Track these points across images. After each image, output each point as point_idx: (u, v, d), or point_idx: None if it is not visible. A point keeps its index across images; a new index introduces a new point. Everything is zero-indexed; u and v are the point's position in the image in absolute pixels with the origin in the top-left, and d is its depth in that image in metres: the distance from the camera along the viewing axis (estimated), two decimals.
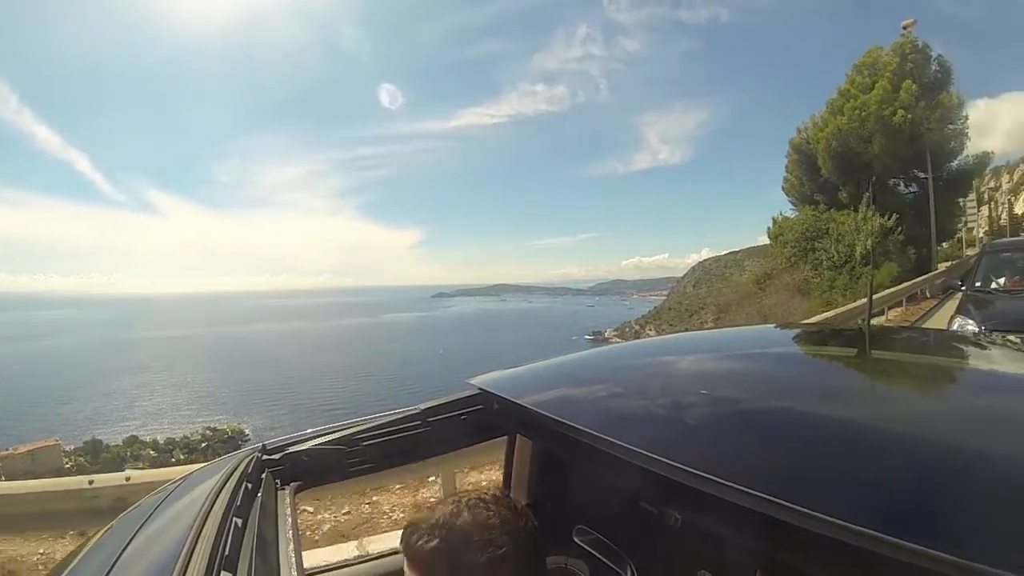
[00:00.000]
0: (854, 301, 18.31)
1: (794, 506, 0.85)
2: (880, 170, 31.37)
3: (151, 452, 35.25)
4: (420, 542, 1.17)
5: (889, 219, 28.92)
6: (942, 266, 30.22)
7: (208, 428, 40.72)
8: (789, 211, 36.70)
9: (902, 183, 33.99)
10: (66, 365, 75.23)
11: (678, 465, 1.03)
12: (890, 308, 18.46)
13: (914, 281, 22.51)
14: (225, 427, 41.59)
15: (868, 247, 27.42)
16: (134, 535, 1.32)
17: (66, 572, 1.34)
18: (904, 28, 31.69)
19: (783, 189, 37.87)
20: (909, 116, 29.32)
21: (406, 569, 1.19)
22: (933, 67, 31.77)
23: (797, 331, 2.76)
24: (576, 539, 1.77)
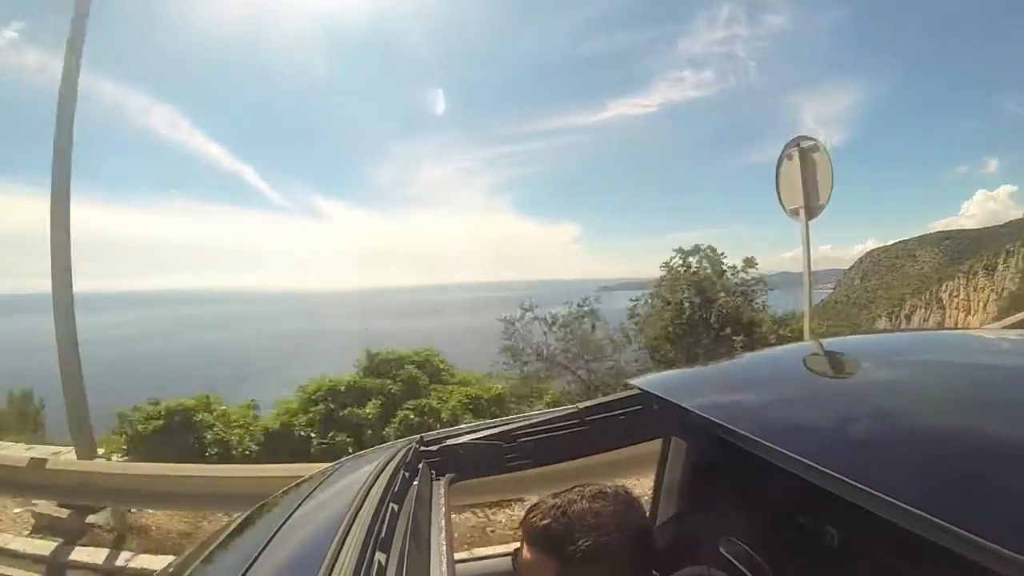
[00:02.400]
0: None
1: (971, 536, 0.75)
2: None
3: None
4: (535, 519, 1.29)
5: None
6: None
7: None
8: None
9: None
10: (251, 353, 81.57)
11: (842, 478, 0.96)
12: None
13: None
14: None
15: None
16: (294, 511, 1.41)
17: (222, 538, 1.49)
18: None
19: None
20: None
21: (522, 545, 1.32)
22: None
23: (988, 339, 2.51)
24: (722, 549, 1.68)
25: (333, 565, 0.96)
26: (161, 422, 8.18)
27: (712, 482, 1.91)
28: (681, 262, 13.94)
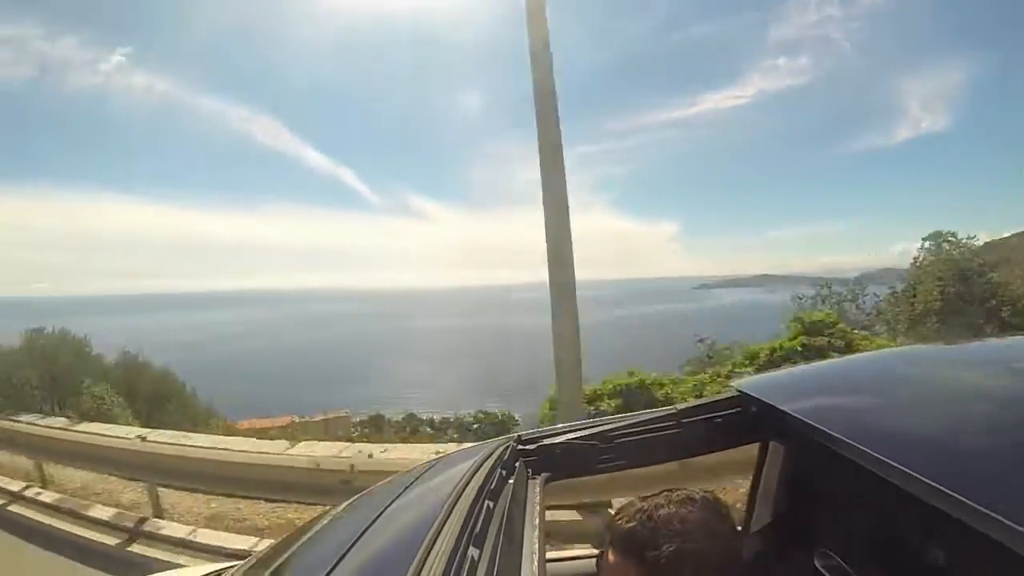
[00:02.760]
0: None
1: None
2: None
3: (428, 429, 37.93)
4: (620, 522, 1.29)
5: None
6: None
7: (480, 411, 42.90)
8: None
9: None
10: (352, 350, 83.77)
11: (953, 494, 0.90)
12: None
13: None
14: (496, 412, 43.54)
15: None
16: (391, 503, 1.45)
17: (320, 527, 1.54)
18: None
19: None
20: None
21: (607, 547, 1.32)
22: None
23: None
24: (816, 563, 1.62)
25: (426, 558, 0.97)
26: (619, 400, 8.40)
27: (810, 491, 1.86)
28: (934, 246, 16.91)
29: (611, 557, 1.29)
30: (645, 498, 1.32)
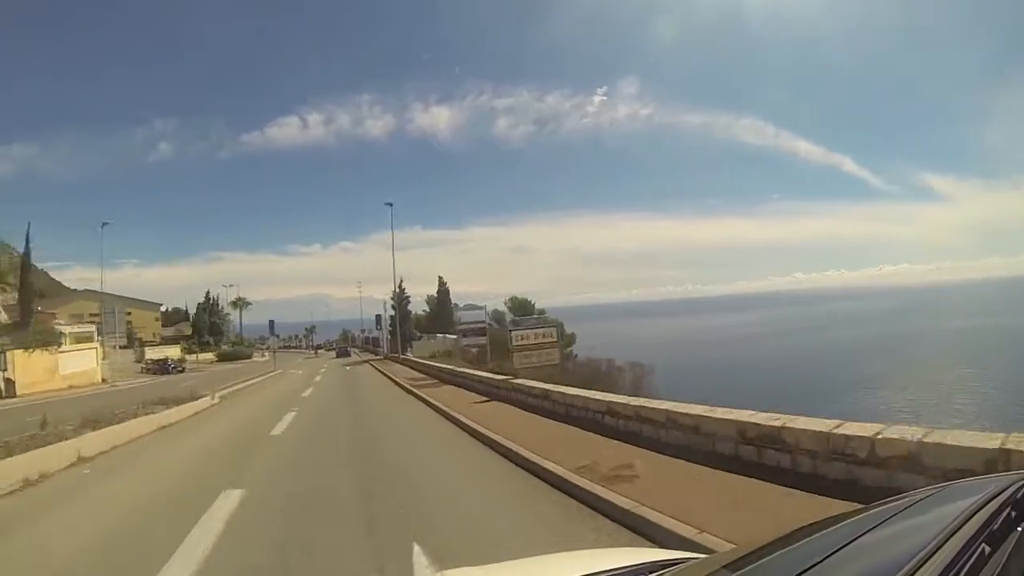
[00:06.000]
0: None
1: None
2: None
3: None
4: None
5: None
6: None
7: None
8: None
9: None
10: (864, 354, 78.35)
11: None
12: None
13: None
14: None
15: None
16: (872, 528, 1.30)
17: (796, 540, 1.42)
18: None
19: None
20: None
21: None
22: None
23: None
24: None
25: None
26: None
27: None
28: None
29: None
30: None
